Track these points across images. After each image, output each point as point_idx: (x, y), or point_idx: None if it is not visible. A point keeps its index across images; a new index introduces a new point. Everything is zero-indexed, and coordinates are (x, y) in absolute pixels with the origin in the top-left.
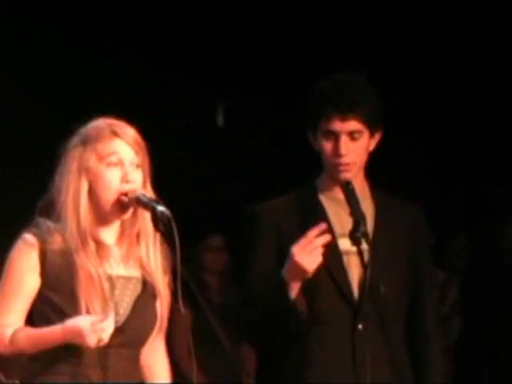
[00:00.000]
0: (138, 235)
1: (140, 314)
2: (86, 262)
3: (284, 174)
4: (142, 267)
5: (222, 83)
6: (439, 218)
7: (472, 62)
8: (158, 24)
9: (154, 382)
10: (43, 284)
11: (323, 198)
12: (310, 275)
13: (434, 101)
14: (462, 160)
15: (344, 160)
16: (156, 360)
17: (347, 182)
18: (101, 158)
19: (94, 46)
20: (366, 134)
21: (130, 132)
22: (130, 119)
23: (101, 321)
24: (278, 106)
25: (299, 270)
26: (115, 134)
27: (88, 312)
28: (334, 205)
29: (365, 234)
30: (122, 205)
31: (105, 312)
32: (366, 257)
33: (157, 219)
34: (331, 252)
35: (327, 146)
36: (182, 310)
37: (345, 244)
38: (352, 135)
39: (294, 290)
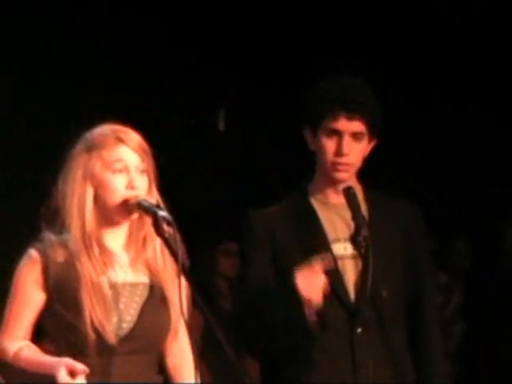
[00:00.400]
0: (144, 239)
1: (149, 319)
2: (88, 269)
3: (283, 174)
4: (150, 272)
5: (221, 84)
6: (439, 219)
7: (471, 62)
8: (156, 24)
9: (179, 382)
10: (50, 298)
11: (315, 203)
12: (319, 305)
13: (433, 101)
14: (461, 160)
15: (345, 160)
16: (181, 361)
17: (348, 186)
18: (106, 165)
19: (92, 47)
20: (367, 137)
21: (135, 138)
22: (129, 120)
23: (72, 371)
24: (277, 107)
25: (307, 301)
26: (120, 140)
27: (92, 321)
28: (326, 209)
29: (366, 239)
30: (127, 210)
31: (107, 319)
32: (364, 261)
33: (158, 224)
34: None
35: (329, 144)
36: (185, 316)
37: (339, 249)
38: (355, 136)
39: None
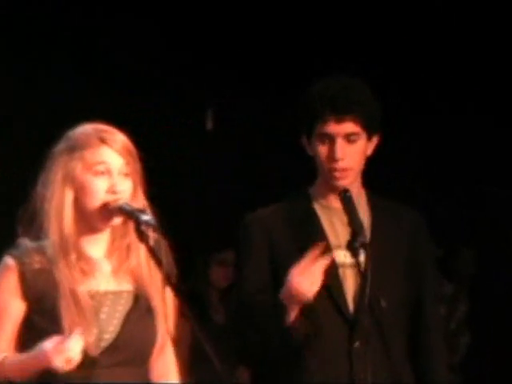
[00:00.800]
0: (129, 247)
1: (133, 330)
2: (66, 277)
3: (282, 175)
4: (135, 281)
5: (217, 84)
6: (442, 224)
7: (469, 62)
8: (151, 24)
9: None
10: (28, 307)
11: (317, 207)
12: (310, 300)
13: (430, 101)
14: (459, 160)
15: (340, 165)
16: (167, 372)
17: (345, 189)
18: (87, 167)
19: (89, 47)
20: (363, 136)
21: (119, 139)
22: (126, 120)
23: (63, 341)
24: (275, 107)
25: (298, 294)
26: (103, 141)
27: (71, 332)
28: (328, 214)
29: (363, 245)
30: (107, 215)
31: (87, 330)
32: (362, 268)
33: (140, 230)
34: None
35: (322, 150)
36: (170, 327)
37: (340, 256)
38: (348, 138)
39: (292, 313)
